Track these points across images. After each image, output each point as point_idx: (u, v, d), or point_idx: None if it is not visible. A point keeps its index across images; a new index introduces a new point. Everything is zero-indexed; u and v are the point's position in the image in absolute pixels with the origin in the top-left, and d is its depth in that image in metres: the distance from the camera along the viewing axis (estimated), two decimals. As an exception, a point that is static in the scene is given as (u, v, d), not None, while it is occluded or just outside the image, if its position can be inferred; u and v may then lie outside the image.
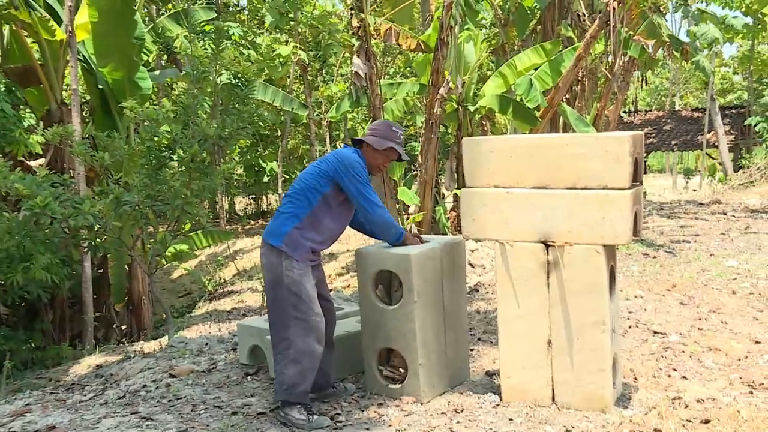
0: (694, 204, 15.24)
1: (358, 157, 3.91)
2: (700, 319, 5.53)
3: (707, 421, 3.48)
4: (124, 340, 8.89)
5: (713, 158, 27.66)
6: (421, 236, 4.26)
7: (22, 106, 9.74)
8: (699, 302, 6.05)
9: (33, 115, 10.58)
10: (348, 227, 4.10)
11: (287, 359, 3.69)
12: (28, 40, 9.25)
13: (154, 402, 4.18)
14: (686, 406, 3.68)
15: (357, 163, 3.85)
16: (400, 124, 4.07)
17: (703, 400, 3.75)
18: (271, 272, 3.76)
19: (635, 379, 4.21)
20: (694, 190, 22.13)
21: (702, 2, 19.14)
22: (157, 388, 4.51)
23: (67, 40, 8.38)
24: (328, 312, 4.00)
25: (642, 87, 27.56)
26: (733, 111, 28.33)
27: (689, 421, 3.51)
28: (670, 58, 15.07)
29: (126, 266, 9.55)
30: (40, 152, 8.51)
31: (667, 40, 13.18)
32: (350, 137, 15.78)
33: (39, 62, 9.12)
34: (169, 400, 4.19)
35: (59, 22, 8.79)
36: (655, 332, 5.19)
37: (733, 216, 12.37)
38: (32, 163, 8.91)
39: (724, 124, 24.47)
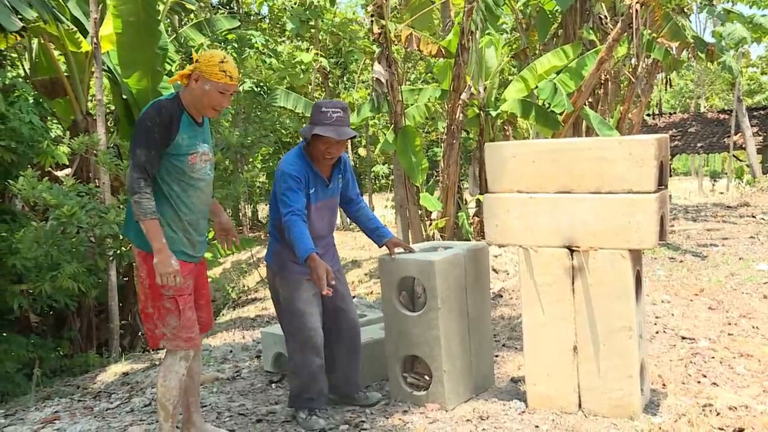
0: (722, 207, 15.01)
1: (295, 157, 3.72)
2: (729, 324, 5.43)
3: (741, 430, 3.41)
4: (149, 348, 8.97)
5: (741, 160, 27.26)
6: (400, 242, 4.04)
7: (49, 117, 9.90)
8: (728, 307, 5.94)
9: (60, 125, 10.75)
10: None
11: (290, 372, 3.86)
12: (55, 53, 9.41)
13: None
14: (718, 414, 3.61)
15: (283, 169, 3.65)
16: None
17: (735, 408, 3.67)
18: (270, 290, 3.94)
19: (664, 385, 4.14)
20: (721, 193, 21.82)
21: (728, 2, 18.91)
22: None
23: (92, 52, 8.50)
24: (347, 322, 3.98)
25: (666, 89, 27.26)
26: (761, 112, 27.90)
27: (721, 429, 3.44)
28: (695, 60, 14.88)
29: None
30: (67, 162, 8.63)
31: (692, 41, 13.02)
32: (371, 143, 15.80)
33: (65, 74, 9.27)
34: (195, 408, 4.20)
35: (85, 34, 8.92)
36: (684, 337, 5.11)
37: (763, 219, 12.15)
38: (59, 173, 9.04)
39: (751, 126, 24.10)
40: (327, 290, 3.40)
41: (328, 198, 3.87)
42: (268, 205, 3.95)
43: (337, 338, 3.96)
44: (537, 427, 3.61)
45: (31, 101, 7.81)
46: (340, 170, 3.95)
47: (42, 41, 9.19)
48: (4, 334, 7.56)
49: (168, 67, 10.03)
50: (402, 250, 4.05)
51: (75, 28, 8.93)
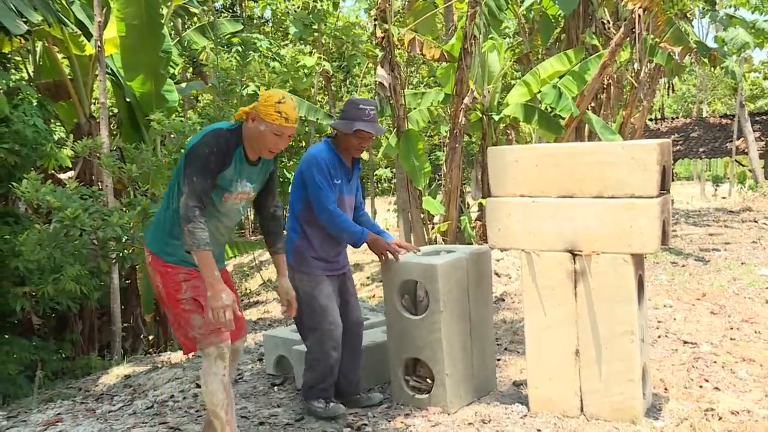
0: (724, 212, 15.00)
1: (326, 148, 3.86)
2: (732, 328, 5.43)
3: (741, 434, 3.41)
4: (151, 350, 8.97)
5: (743, 165, 27.22)
6: (402, 243, 4.10)
7: (52, 120, 9.93)
8: (730, 311, 5.93)
9: (63, 128, 10.78)
10: None
11: (307, 365, 3.94)
12: (59, 56, 9.44)
13: (181, 412, 4.21)
14: (720, 418, 3.61)
15: (316, 161, 3.79)
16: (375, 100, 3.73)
17: (737, 412, 3.67)
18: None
19: (666, 389, 4.14)
20: (723, 198, 21.80)
21: (731, 7, 18.89)
22: (184, 398, 4.54)
23: (96, 55, 8.54)
24: (352, 320, 4.04)
25: (669, 94, 27.26)
26: (764, 117, 27.88)
27: (723, 433, 3.45)
28: (698, 65, 14.88)
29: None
30: (70, 165, 8.65)
31: (694, 46, 13.02)
32: (374, 147, 15.82)
33: (69, 77, 9.30)
34: (197, 411, 4.21)
35: (89, 37, 8.96)
36: (686, 342, 5.10)
37: (765, 224, 12.15)
38: (62, 176, 9.07)
39: (753, 131, 24.05)
40: (397, 255, 3.87)
41: (349, 194, 3.99)
42: (290, 197, 3.94)
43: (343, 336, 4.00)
44: (539, 430, 3.61)
45: (35, 104, 7.84)
46: (359, 169, 4.10)
47: (46, 44, 9.23)
48: (7, 337, 7.58)
49: (171, 70, 10.06)
50: (407, 251, 4.05)
51: (79, 32, 8.96)
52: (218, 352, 3.08)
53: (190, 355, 6.50)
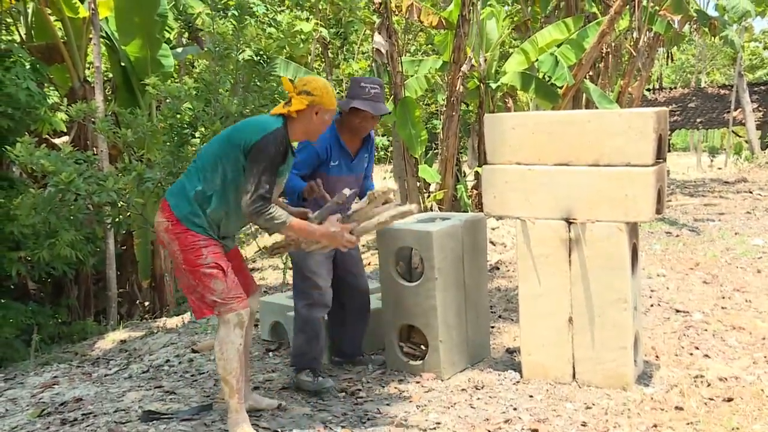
0: (719, 182, 15.02)
1: (326, 132, 3.70)
2: (723, 297, 5.47)
3: (730, 399, 3.46)
4: (147, 316, 9.03)
5: (740, 136, 27.18)
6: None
7: (46, 84, 9.84)
8: (723, 281, 5.98)
9: (57, 92, 10.68)
10: None
11: (296, 328, 3.92)
12: (52, 18, 9.31)
13: (176, 376, 4.24)
14: (708, 385, 3.66)
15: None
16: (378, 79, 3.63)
17: (725, 379, 3.72)
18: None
19: (657, 357, 4.19)
20: (719, 169, 21.80)
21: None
22: (179, 363, 4.58)
23: (89, 18, 8.42)
24: (354, 286, 4.07)
25: (667, 64, 27.12)
26: (762, 87, 27.72)
27: (711, 399, 3.50)
28: (697, 34, 14.78)
29: (151, 243, 9.67)
30: (64, 130, 8.60)
31: (694, 14, 12.92)
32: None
33: (62, 40, 9.18)
34: (192, 375, 4.25)
35: (82, -1, 8.84)
36: (678, 311, 5.15)
37: (760, 194, 12.17)
38: (56, 141, 9.02)
39: (752, 101, 23.95)
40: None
41: (350, 174, 3.93)
42: None
43: (349, 301, 4.08)
44: (531, 396, 3.66)
45: (28, 67, 7.74)
46: (367, 149, 4.03)
47: (38, 5, 9.09)
48: (3, 301, 7.62)
49: (167, 34, 9.94)
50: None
51: (72, -7, 8.84)
52: (238, 319, 3.08)
53: (185, 320, 6.54)
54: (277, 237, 3.44)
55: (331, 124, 3.77)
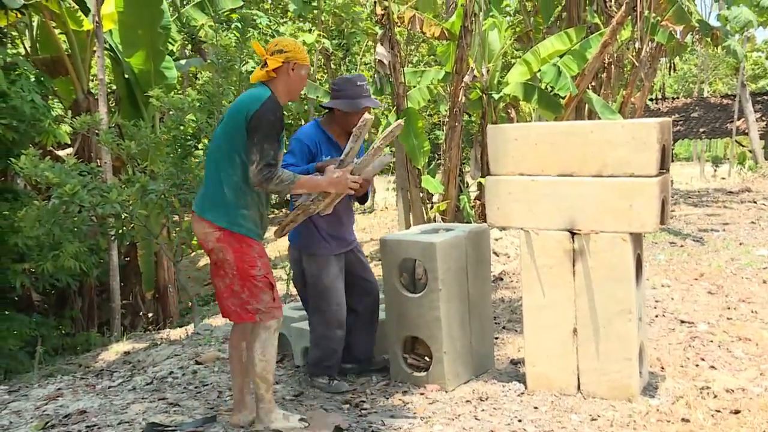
0: (723, 192, 14.99)
1: (312, 129, 3.88)
2: (729, 308, 5.45)
3: (737, 412, 3.43)
4: (150, 327, 9.01)
5: (743, 146, 27.14)
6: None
7: (50, 96, 9.89)
8: (728, 291, 5.95)
9: (61, 104, 10.73)
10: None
11: (312, 343, 4.04)
12: (56, 31, 9.36)
13: (180, 388, 4.23)
14: (715, 396, 3.64)
15: (295, 136, 3.89)
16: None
17: (732, 390, 3.70)
18: (292, 267, 4.10)
19: (662, 368, 4.16)
20: (723, 179, 21.76)
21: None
22: (183, 374, 4.56)
23: (93, 30, 8.47)
24: (366, 292, 4.12)
25: (670, 74, 27.12)
26: (765, 97, 27.74)
27: (718, 411, 3.47)
28: (700, 44, 14.79)
29: (154, 254, 9.68)
30: (68, 142, 8.63)
31: (697, 25, 12.94)
32: (373, 125, 15.76)
33: (66, 52, 9.24)
34: (196, 387, 4.24)
35: (86, 12, 8.88)
36: (683, 321, 5.13)
37: (764, 204, 12.15)
38: (60, 153, 9.05)
39: (755, 111, 23.95)
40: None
41: None
42: None
43: (360, 307, 4.11)
44: (536, 408, 3.64)
45: (33, 79, 7.79)
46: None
47: (43, 19, 9.15)
48: (7, 313, 7.62)
49: (170, 46, 9.99)
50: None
51: (76, 6, 8.89)
52: (278, 325, 3.30)
53: (189, 331, 6.53)
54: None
55: (317, 125, 3.91)
